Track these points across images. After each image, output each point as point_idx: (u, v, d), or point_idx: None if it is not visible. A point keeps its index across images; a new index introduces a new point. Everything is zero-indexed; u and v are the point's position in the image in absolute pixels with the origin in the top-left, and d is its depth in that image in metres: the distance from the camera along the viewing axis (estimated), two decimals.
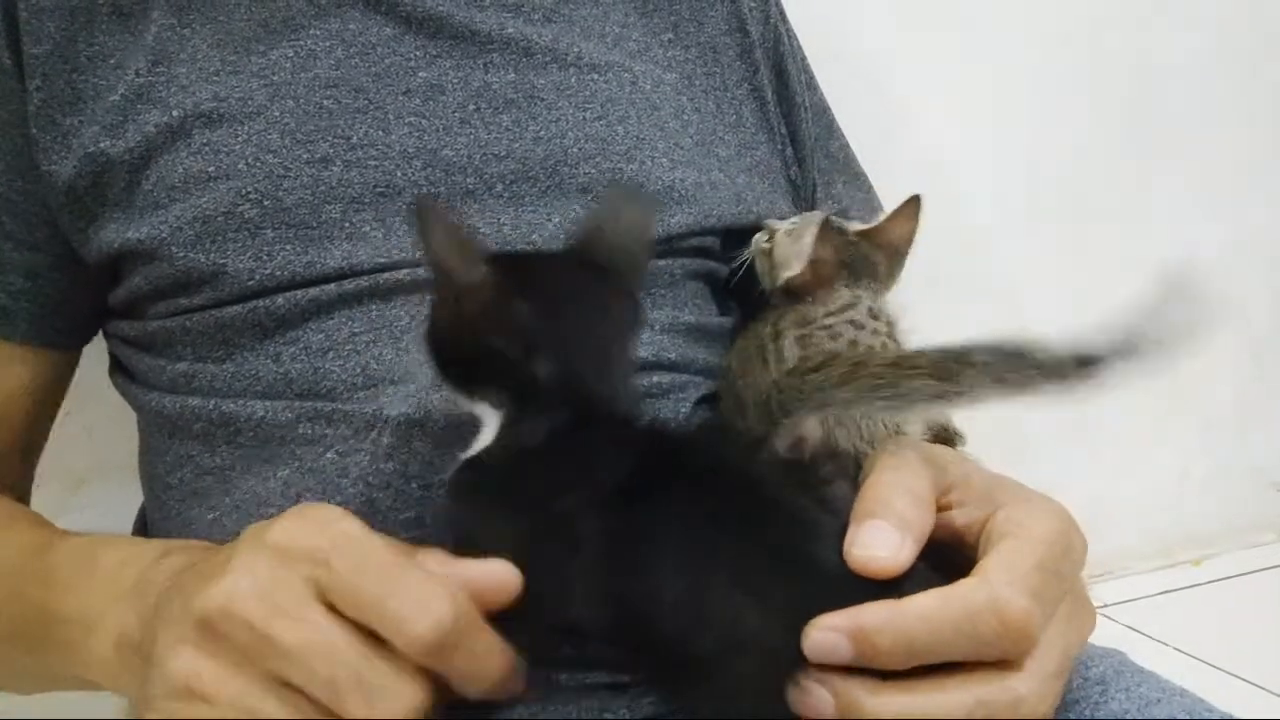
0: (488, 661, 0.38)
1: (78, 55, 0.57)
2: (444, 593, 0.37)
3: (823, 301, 0.56)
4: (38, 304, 0.61)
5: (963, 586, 0.39)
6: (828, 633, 0.38)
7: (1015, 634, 0.39)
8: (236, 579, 0.38)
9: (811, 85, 0.77)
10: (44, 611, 0.51)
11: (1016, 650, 0.39)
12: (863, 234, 0.61)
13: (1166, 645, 1.16)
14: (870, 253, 0.60)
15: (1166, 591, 1.30)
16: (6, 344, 0.61)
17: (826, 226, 0.59)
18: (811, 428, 0.51)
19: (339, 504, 0.50)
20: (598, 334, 0.47)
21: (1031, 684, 0.39)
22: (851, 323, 0.54)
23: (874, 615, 0.38)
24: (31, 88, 0.57)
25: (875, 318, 0.55)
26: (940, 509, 0.44)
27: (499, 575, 0.39)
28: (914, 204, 0.61)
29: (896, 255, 0.61)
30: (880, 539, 0.40)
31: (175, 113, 0.56)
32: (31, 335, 0.61)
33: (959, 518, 0.44)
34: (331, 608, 0.37)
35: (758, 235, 0.63)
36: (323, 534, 0.39)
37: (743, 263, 0.63)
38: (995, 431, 1.34)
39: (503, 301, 0.44)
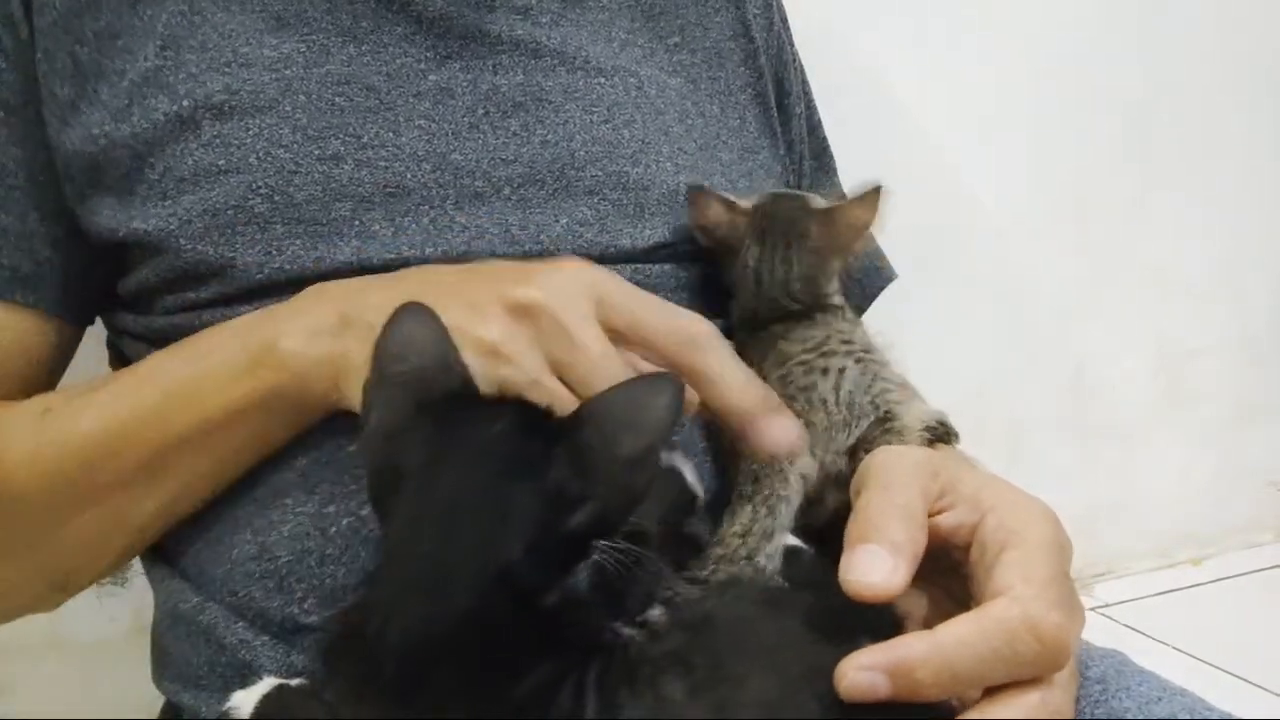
0: (743, 378, 0.48)
1: (82, 29, 0.57)
2: (698, 316, 0.48)
3: (800, 340, 0.57)
4: (62, 274, 0.60)
5: (994, 608, 0.38)
6: (864, 672, 0.37)
7: (1053, 651, 0.38)
8: (548, 281, 0.46)
9: (809, 99, 0.78)
10: (188, 394, 0.51)
11: (1054, 666, 0.38)
12: (819, 211, 0.60)
13: (1166, 645, 1.16)
14: (803, 222, 0.59)
15: (1166, 591, 1.30)
16: (33, 313, 0.60)
17: (694, 196, 0.60)
18: (807, 465, 0.51)
19: (353, 491, 0.50)
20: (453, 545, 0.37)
21: (1064, 695, 0.39)
22: (824, 354, 0.55)
23: (912, 649, 0.37)
24: (36, 59, 0.57)
25: (849, 343, 0.55)
26: (932, 514, 0.44)
27: None
28: (875, 194, 0.58)
29: (839, 237, 0.59)
30: (874, 564, 0.40)
31: (185, 102, 0.56)
32: (58, 306, 0.60)
33: (946, 521, 0.44)
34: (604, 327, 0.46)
35: None
36: (602, 274, 0.48)
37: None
38: (995, 432, 1.34)
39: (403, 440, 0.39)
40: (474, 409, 0.41)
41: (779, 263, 0.58)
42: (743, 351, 0.60)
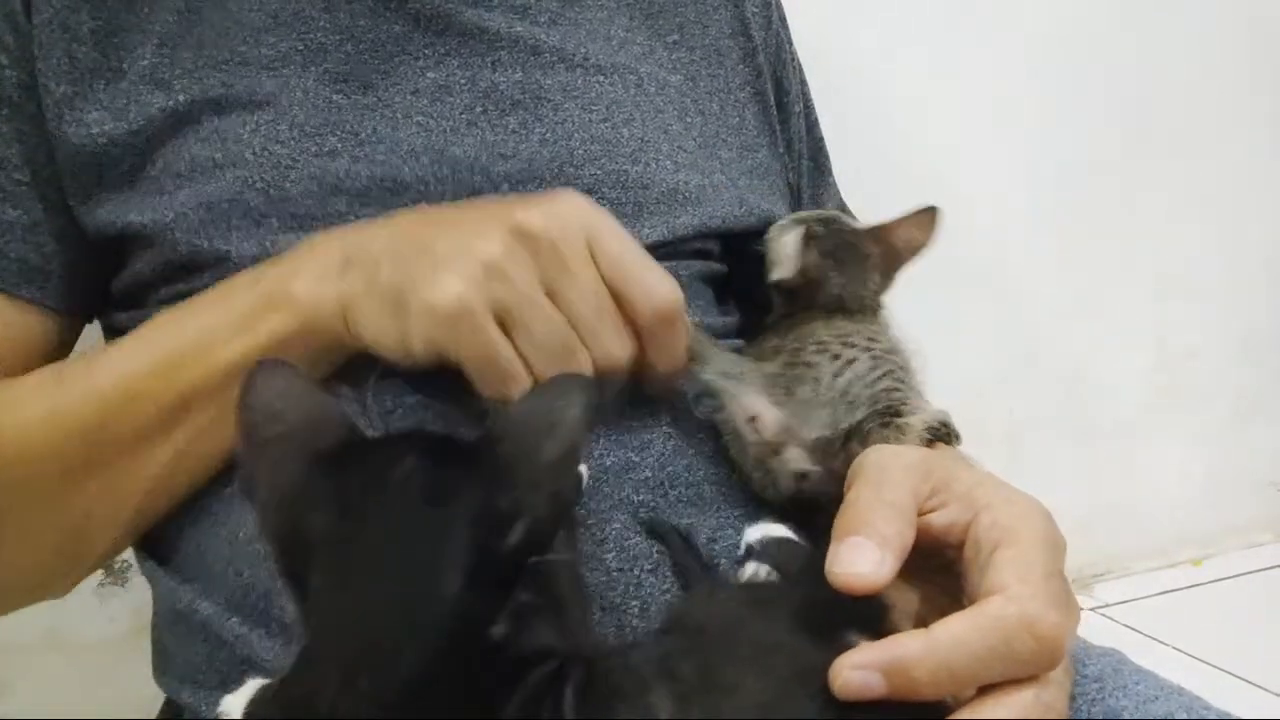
0: (680, 347, 0.50)
1: (79, 26, 0.57)
2: (674, 281, 0.49)
3: (828, 325, 0.58)
4: (66, 268, 0.60)
5: (991, 607, 0.38)
6: (859, 671, 0.37)
7: (1049, 649, 0.38)
8: (549, 210, 0.48)
9: (807, 98, 0.78)
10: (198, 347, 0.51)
11: (1050, 664, 0.38)
12: (868, 230, 0.61)
13: (1166, 645, 1.16)
14: (864, 245, 0.61)
15: (1166, 591, 1.30)
16: (36, 307, 0.60)
17: (807, 236, 0.61)
18: (763, 406, 0.52)
19: None
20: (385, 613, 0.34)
21: (1058, 693, 0.39)
22: (845, 344, 0.56)
23: (908, 647, 0.37)
24: (34, 55, 0.57)
25: (873, 341, 0.56)
26: (923, 512, 0.44)
27: None
28: (929, 214, 0.61)
29: (896, 256, 0.62)
30: (861, 555, 0.40)
31: (182, 98, 0.56)
32: (61, 300, 0.60)
33: (939, 520, 0.43)
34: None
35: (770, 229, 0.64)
36: (599, 212, 0.49)
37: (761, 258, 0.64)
38: (995, 432, 1.34)
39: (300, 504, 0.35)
40: (375, 452, 0.38)
41: (860, 285, 0.61)
42: (768, 328, 0.61)
